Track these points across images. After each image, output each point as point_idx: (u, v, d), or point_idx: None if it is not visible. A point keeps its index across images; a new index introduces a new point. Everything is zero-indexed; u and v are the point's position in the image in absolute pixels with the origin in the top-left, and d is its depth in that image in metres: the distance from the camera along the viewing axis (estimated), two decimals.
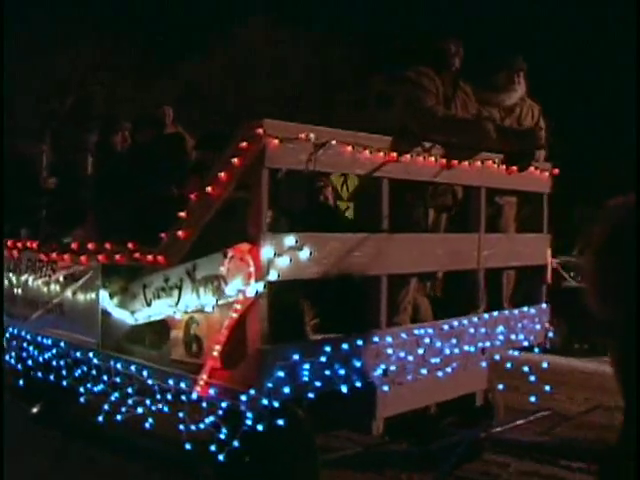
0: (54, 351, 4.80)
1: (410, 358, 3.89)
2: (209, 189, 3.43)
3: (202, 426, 3.47)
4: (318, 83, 20.20)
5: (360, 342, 3.65)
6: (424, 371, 3.98)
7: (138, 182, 4.33)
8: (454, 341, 4.18)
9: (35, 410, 5.72)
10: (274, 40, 20.00)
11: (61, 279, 4.76)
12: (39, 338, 4.95)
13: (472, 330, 4.31)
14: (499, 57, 4.74)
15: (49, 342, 4.84)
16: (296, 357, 3.34)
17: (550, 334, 4.99)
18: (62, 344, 4.69)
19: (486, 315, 4.46)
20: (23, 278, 5.25)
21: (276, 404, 3.26)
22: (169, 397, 3.67)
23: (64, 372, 4.69)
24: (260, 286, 3.24)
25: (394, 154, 3.73)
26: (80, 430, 5.31)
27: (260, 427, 3.29)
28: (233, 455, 3.45)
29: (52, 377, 4.86)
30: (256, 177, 3.26)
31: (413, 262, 3.99)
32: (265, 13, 20.11)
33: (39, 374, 5.02)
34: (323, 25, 20.03)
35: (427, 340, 4.02)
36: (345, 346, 3.57)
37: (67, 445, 5.15)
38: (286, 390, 3.29)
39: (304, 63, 20.12)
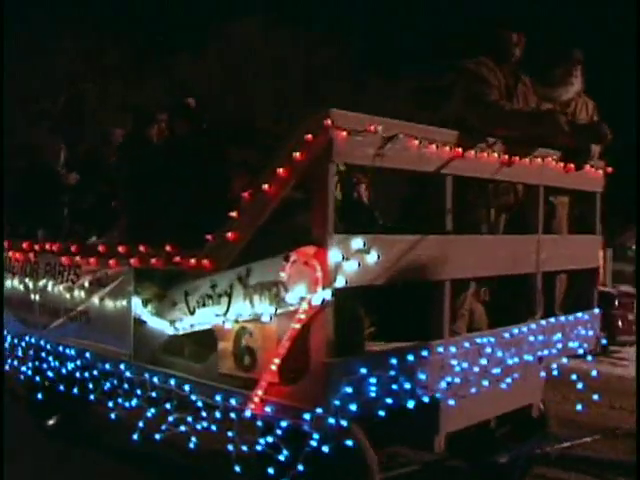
0: (78, 362, 4.47)
1: (475, 369, 3.61)
2: (265, 187, 3.11)
3: (259, 447, 3.16)
4: (317, 83, 19.96)
5: (425, 353, 3.36)
6: (486, 382, 3.71)
7: (178, 177, 3.98)
8: (514, 350, 3.92)
9: (51, 422, 5.38)
10: (274, 40, 19.71)
11: (86, 284, 4.42)
12: (60, 348, 4.62)
13: (531, 338, 4.05)
14: (556, 49, 4.46)
15: (72, 352, 4.51)
16: (363, 371, 3.04)
17: (604, 341, 4.74)
18: (87, 355, 4.36)
19: (543, 322, 4.20)
20: (41, 283, 4.91)
21: (344, 423, 2.96)
22: (217, 415, 3.36)
23: (90, 385, 4.36)
24: (327, 293, 2.93)
25: (459, 149, 3.45)
26: (85, 433, 5.08)
27: (326, 449, 2.99)
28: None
29: (75, 390, 4.53)
30: (322, 173, 2.95)
31: (475, 266, 3.71)
32: (265, 13, 19.84)
33: (60, 386, 4.68)
34: (323, 25, 19.82)
35: (488, 349, 3.75)
36: (410, 357, 3.28)
37: (69, 446, 4.90)
38: (353, 407, 3.00)
39: (304, 63, 19.87)
